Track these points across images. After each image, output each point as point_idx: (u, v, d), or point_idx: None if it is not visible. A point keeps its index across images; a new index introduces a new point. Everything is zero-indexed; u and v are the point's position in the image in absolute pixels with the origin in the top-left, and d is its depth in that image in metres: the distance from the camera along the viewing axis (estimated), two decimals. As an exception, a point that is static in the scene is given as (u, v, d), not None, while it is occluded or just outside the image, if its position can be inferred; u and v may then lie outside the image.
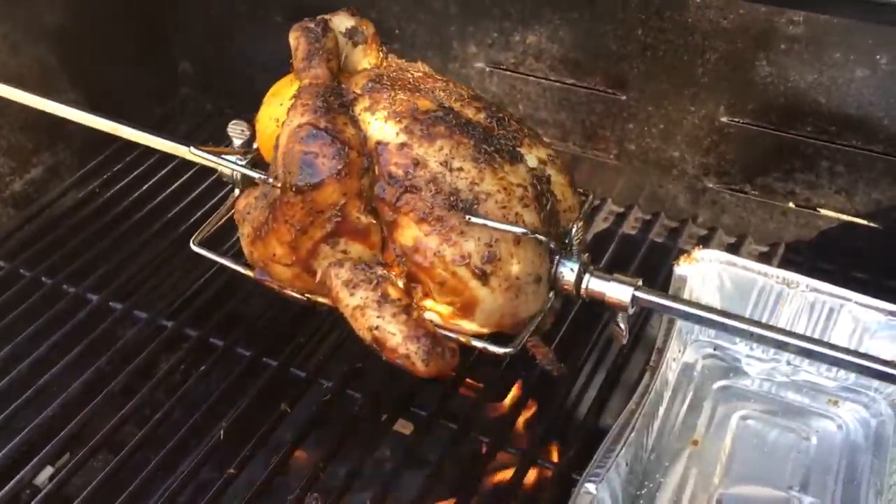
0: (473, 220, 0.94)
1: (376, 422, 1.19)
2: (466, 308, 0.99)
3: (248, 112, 1.71)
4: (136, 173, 1.60)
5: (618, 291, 0.97)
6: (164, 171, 1.59)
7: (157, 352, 1.29)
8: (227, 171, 1.14)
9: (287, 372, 1.25)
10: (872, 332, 1.14)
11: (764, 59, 1.26)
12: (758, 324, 0.92)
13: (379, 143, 0.98)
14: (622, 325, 0.99)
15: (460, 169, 0.96)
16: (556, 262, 1.01)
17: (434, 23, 1.49)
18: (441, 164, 0.96)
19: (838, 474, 1.07)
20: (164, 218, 1.50)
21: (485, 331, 1.02)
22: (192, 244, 1.14)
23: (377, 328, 0.98)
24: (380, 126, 0.98)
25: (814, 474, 1.07)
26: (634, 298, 0.96)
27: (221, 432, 1.15)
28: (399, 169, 0.97)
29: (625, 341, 1.02)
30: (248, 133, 1.16)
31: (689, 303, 0.98)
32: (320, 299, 1.08)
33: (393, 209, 0.97)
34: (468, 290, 0.98)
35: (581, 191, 1.09)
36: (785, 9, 1.21)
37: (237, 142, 1.16)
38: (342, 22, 1.11)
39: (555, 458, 1.16)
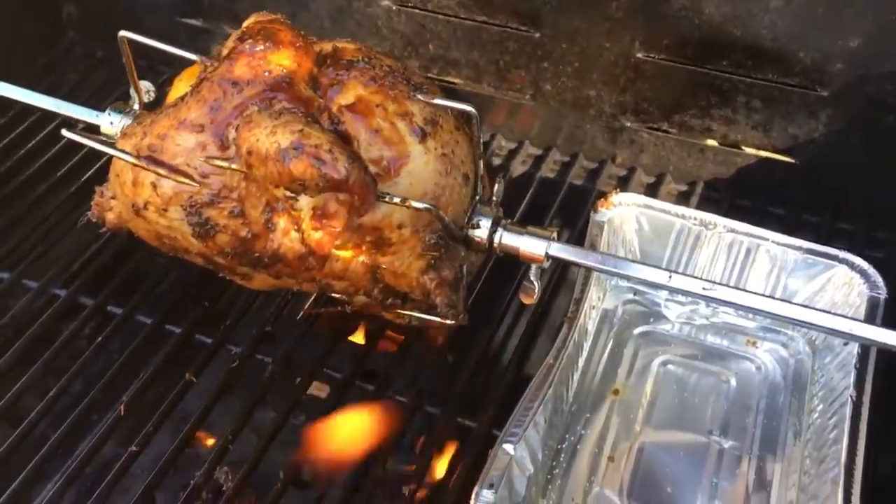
0: (420, 96, 0.94)
1: (289, 387, 1.14)
2: (394, 162, 0.92)
3: (141, 57, 1.60)
4: (13, 135, 1.48)
5: (532, 245, 0.93)
6: (44, 133, 1.46)
7: (50, 322, 1.20)
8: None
9: (192, 338, 1.18)
10: (789, 271, 1.13)
11: (678, -9, 1.22)
12: (675, 273, 0.89)
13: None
14: (535, 282, 0.95)
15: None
16: (469, 212, 0.97)
17: (335, -42, 1.40)
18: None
19: (758, 416, 1.07)
20: (49, 181, 1.40)
21: (406, 205, 0.91)
22: (63, 132, 1.02)
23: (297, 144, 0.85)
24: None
25: (733, 417, 1.07)
26: (548, 253, 0.91)
27: (122, 407, 1.09)
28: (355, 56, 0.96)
29: (535, 300, 0.97)
30: (153, 96, 1.06)
31: (605, 255, 0.94)
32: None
33: (343, 75, 0.94)
34: (402, 144, 0.93)
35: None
36: (699, -62, 1.16)
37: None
38: None
39: (476, 414, 1.13)
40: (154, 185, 0.93)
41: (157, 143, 0.93)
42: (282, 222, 0.92)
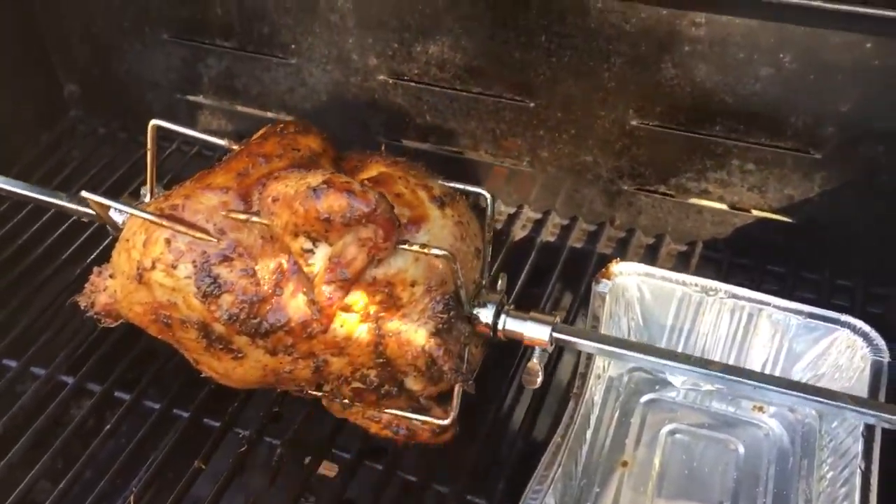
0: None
1: (299, 467, 1.14)
2: (414, 221, 0.94)
3: (142, 132, 1.63)
4: (17, 219, 1.49)
5: (535, 331, 0.94)
6: (44, 219, 1.47)
7: (59, 409, 1.20)
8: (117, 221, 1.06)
9: (200, 422, 1.18)
10: (792, 335, 1.13)
11: (669, 61, 1.24)
12: (678, 356, 0.90)
13: None
14: (538, 364, 0.96)
15: None
16: (476, 290, 0.98)
17: (331, 36, 1.42)
18: None
19: (768, 483, 1.07)
20: (51, 267, 1.40)
21: (425, 251, 0.91)
22: (83, 193, 1.02)
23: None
24: None
25: (743, 486, 1.07)
26: (552, 337, 0.92)
27: (132, 498, 1.09)
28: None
29: (538, 385, 0.98)
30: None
31: (610, 339, 0.95)
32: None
33: (365, 159, 1.03)
34: (422, 207, 0.96)
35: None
36: (686, 11, 1.18)
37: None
38: None
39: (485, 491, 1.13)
40: (168, 241, 0.93)
41: (179, 202, 0.95)
42: (290, 286, 0.92)
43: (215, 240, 0.91)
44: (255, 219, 0.91)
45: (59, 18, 1.64)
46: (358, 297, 0.90)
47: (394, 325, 0.91)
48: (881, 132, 1.20)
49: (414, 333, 0.90)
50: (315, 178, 0.86)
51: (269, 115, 1.58)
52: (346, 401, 1.02)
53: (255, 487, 1.10)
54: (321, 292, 0.88)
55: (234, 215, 0.91)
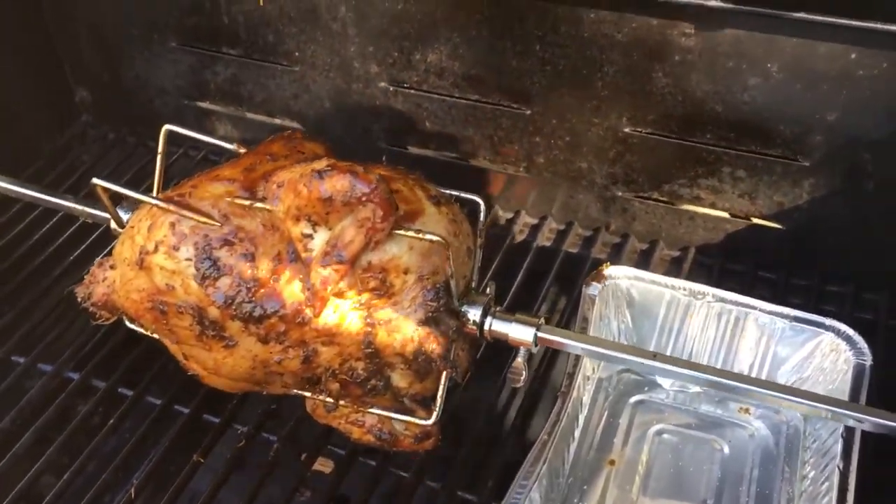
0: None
1: (295, 462, 1.17)
2: (411, 214, 0.98)
3: (150, 137, 1.68)
4: (27, 221, 1.54)
5: (520, 332, 0.97)
6: (54, 220, 1.52)
7: (65, 405, 1.24)
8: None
9: (200, 418, 1.22)
10: (778, 338, 1.16)
11: (660, 70, 1.27)
12: (661, 357, 0.92)
13: None
14: (523, 363, 0.99)
15: None
16: (465, 289, 1.02)
17: (333, 44, 1.46)
18: None
19: (751, 484, 1.09)
20: (60, 268, 1.45)
21: (419, 236, 0.95)
22: (94, 180, 1.02)
23: None
24: None
25: (727, 486, 1.09)
26: (536, 338, 0.95)
27: (133, 490, 1.12)
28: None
29: (521, 384, 1.01)
30: None
31: (592, 339, 0.98)
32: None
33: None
34: (419, 202, 1.00)
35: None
36: (677, 21, 1.21)
37: None
38: None
39: (476, 487, 1.16)
40: (172, 225, 0.96)
41: (186, 191, 0.99)
42: (287, 273, 0.95)
43: (218, 224, 0.95)
44: (258, 204, 0.95)
45: (71, 27, 1.69)
46: (352, 283, 0.93)
47: (384, 313, 0.94)
48: (867, 140, 1.22)
49: (404, 321, 0.94)
50: (320, 164, 0.91)
51: (275, 121, 1.62)
52: (331, 400, 1.05)
53: (252, 481, 1.13)
54: (317, 274, 0.92)
55: (238, 201, 0.95)
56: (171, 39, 1.60)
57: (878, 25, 1.09)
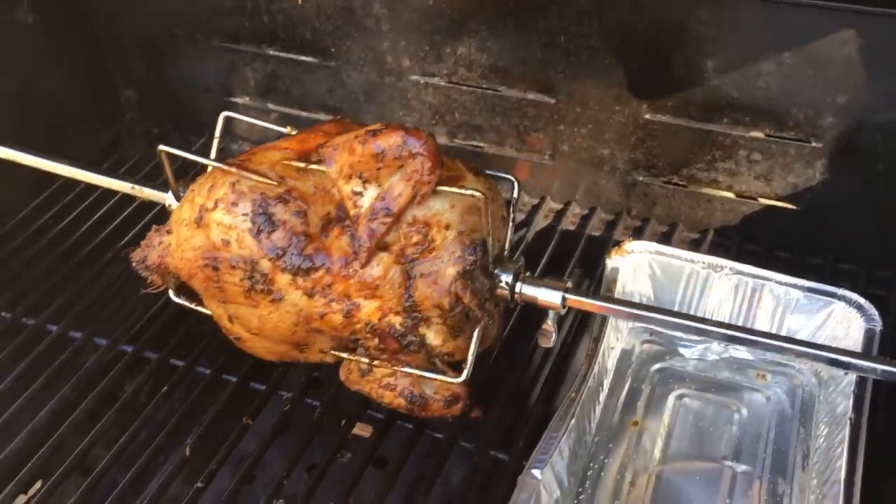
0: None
1: (336, 427, 1.25)
2: (452, 179, 1.05)
3: (193, 133, 1.77)
4: (85, 204, 1.64)
5: (549, 295, 1.04)
6: (113, 200, 1.62)
7: (119, 376, 1.33)
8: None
9: (247, 386, 1.30)
10: (792, 308, 1.22)
11: (679, 58, 1.34)
12: (682, 315, 0.99)
13: None
14: (552, 325, 1.06)
15: None
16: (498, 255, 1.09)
17: (367, 39, 1.55)
18: None
19: (768, 443, 1.15)
20: (116, 246, 1.54)
21: (460, 191, 1.02)
22: (160, 147, 1.14)
23: None
24: None
25: (745, 444, 1.15)
26: (564, 300, 1.03)
27: (188, 448, 1.20)
28: None
29: (552, 344, 1.08)
30: None
31: (616, 300, 1.05)
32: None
33: None
34: (459, 171, 1.08)
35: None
36: (694, 10, 1.28)
37: None
38: None
39: (507, 447, 1.23)
40: (232, 185, 1.04)
41: (246, 157, 1.08)
42: (336, 230, 1.03)
43: (275, 183, 1.03)
44: (313, 166, 1.04)
45: (117, 29, 1.79)
46: (396, 237, 1.01)
47: (424, 266, 1.02)
48: (877, 122, 1.29)
49: (442, 274, 1.01)
50: (374, 126, 1.00)
51: (311, 115, 1.71)
52: (366, 360, 1.11)
53: (296, 443, 1.20)
54: (365, 227, 1.00)
55: (294, 163, 1.04)
56: (213, 39, 1.69)
57: (888, 10, 1.17)
